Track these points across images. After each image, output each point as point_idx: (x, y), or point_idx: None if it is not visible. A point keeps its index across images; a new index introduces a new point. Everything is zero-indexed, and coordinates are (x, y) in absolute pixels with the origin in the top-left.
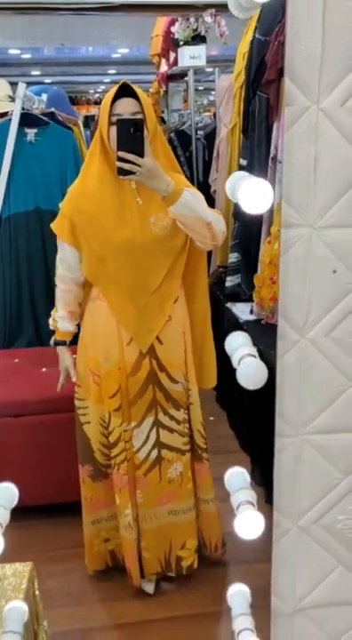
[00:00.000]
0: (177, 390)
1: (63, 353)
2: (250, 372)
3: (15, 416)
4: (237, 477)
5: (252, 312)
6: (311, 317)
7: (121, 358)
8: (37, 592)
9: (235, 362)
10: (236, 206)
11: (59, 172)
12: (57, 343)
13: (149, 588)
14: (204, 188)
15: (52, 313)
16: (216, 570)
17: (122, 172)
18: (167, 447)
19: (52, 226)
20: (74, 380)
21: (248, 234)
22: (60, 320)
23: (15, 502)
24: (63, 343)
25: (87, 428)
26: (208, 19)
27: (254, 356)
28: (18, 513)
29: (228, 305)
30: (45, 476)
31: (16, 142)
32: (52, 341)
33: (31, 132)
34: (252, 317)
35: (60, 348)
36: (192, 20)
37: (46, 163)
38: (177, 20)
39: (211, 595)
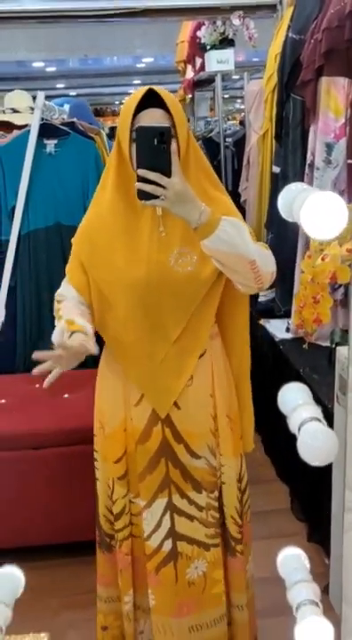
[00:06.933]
0: (198, 467)
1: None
2: (316, 445)
3: (35, 448)
4: (293, 562)
5: (288, 330)
6: None
7: (128, 419)
8: None
9: (293, 426)
10: (270, 216)
11: (80, 185)
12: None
13: None
14: (234, 197)
15: (61, 325)
16: None
17: (142, 195)
18: (185, 539)
19: (67, 268)
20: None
21: (283, 246)
22: (77, 319)
23: (21, 591)
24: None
25: (98, 485)
26: (236, 21)
27: (320, 421)
28: (34, 553)
29: (262, 322)
30: (65, 513)
31: (35, 154)
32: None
33: (51, 144)
34: (288, 336)
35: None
36: (219, 23)
37: (67, 175)
38: (203, 23)
39: None
